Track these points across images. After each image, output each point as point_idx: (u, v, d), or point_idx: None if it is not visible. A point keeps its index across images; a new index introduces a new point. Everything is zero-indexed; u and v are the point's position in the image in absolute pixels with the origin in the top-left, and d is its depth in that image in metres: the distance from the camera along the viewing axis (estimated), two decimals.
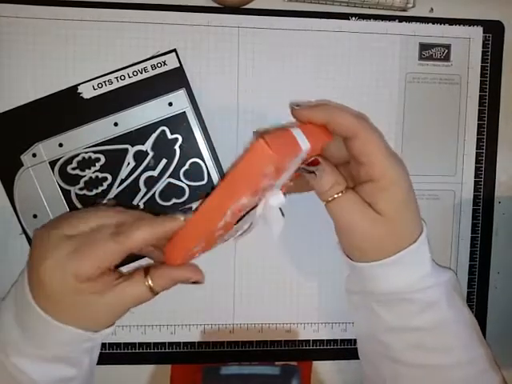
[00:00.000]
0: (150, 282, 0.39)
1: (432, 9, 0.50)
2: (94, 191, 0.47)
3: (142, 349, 0.50)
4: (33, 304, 0.38)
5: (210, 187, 0.48)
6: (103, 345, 0.49)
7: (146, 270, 0.40)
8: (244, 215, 0.39)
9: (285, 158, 0.35)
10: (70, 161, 0.46)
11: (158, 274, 0.40)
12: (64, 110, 0.46)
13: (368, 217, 0.39)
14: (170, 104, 0.47)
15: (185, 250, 0.39)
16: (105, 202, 0.47)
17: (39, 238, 0.39)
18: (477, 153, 0.52)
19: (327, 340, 0.52)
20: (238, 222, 0.39)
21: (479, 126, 0.52)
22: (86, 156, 0.46)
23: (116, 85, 0.46)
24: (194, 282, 0.41)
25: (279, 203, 0.39)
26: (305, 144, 0.36)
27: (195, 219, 0.38)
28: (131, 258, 0.43)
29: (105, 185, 0.47)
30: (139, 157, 0.47)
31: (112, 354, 0.50)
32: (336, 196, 0.40)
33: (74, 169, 0.46)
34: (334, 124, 0.39)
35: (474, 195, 0.52)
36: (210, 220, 0.36)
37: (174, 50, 0.46)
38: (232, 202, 0.35)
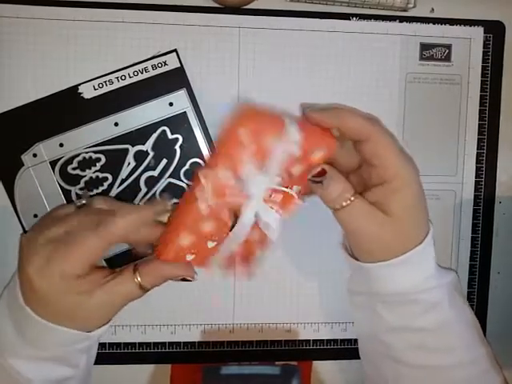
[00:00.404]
0: (138, 278, 0.39)
1: (433, 9, 0.50)
2: (95, 191, 0.47)
3: (142, 348, 0.50)
4: (25, 307, 0.38)
5: None
6: (103, 344, 0.49)
7: (135, 267, 0.40)
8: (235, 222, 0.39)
9: (263, 130, 0.36)
10: (70, 161, 0.46)
11: (147, 271, 0.40)
12: (64, 110, 0.46)
13: (376, 221, 0.40)
14: (171, 104, 0.47)
15: (173, 242, 0.39)
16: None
17: (25, 244, 0.39)
18: (477, 153, 0.52)
19: (327, 340, 0.52)
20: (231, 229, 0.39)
21: (480, 126, 0.52)
22: (87, 156, 0.46)
23: (117, 85, 0.46)
24: (184, 280, 0.41)
25: (273, 221, 0.40)
26: (294, 134, 0.37)
27: (178, 206, 0.39)
28: (130, 258, 0.43)
29: (105, 185, 0.47)
30: (140, 157, 0.47)
31: (112, 354, 0.50)
32: (344, 204, 0.40)
33: (74, 169, 0.46)
34: (345, 128, 0.39)
35: (475, 195, 0.52)
36: (191, 201, 0.37)
37: (175, 50, 0.46)
38: (209, 174, 0.36)
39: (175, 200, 0.47)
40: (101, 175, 0.47)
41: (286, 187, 0.39)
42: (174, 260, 0.40)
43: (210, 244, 0.40)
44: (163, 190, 0.47)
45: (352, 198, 0.39)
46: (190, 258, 0.40)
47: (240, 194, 0.38)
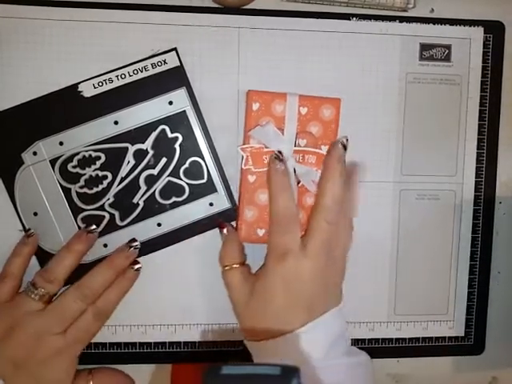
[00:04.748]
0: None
1: (432, 9, 0.51)
2: (95, 189, 0.47)
3: (143, 348, 0.50)
4: None
5: (210, 185, 0.48)
6: (103, 344, 0.49)
7: (90, 373, 0.46)
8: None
9: (270, 100, 0.45)
10: (70, 159, 0.46)
11: (100, 378, 0.46)
12: (64, 108, 0.46)
13: (244, 297, 0.43)
14: (171, 103, 0.47)
15: (241, 219, 0.46)
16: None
17: None
18: (477, 153, 0.52)
19: None
20: None
21: (480, 126, 0.52)
22: (87, 154, 0.46)
23: (116, 83, 0.46)
24: None
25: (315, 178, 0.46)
26: (295, 98, 0.45)
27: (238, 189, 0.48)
28: None
29: (105, 183, 0.47)
30: (139, 155, 0.47)
31: (112, 354, 0.50)
32: (226, 268, 0.44)
33: (74, 167, 0.46)
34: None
35: (475, 195, 0.52)
36: (243, 178, 0.46)
37: (175, 49, 0.47)
38: (246, 147, 0.45)
39: (175, 198, 0.47)
40: (100, 173, 0.47)
41: (315, 148, 0.45)
42: (248, 237, 0.46)
43: None
44: (162, 189, 0.47)
45: (234, 266, 0.44)
46: (261, 232, 0.46)
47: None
